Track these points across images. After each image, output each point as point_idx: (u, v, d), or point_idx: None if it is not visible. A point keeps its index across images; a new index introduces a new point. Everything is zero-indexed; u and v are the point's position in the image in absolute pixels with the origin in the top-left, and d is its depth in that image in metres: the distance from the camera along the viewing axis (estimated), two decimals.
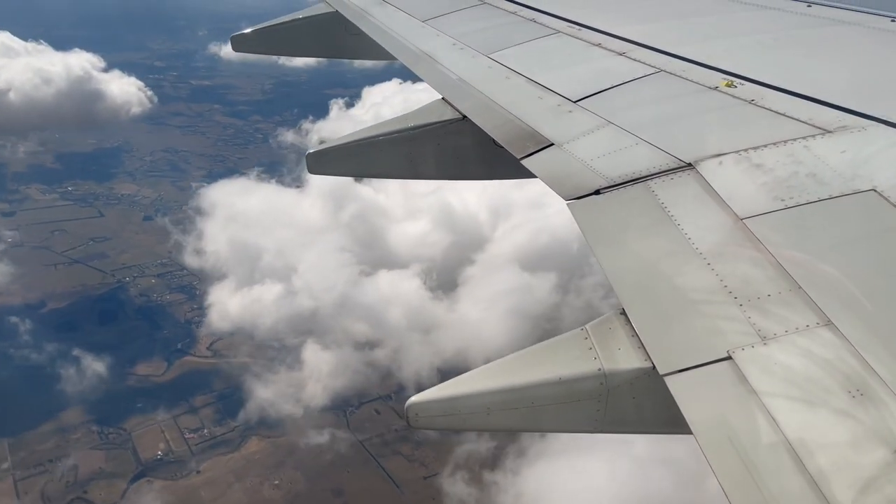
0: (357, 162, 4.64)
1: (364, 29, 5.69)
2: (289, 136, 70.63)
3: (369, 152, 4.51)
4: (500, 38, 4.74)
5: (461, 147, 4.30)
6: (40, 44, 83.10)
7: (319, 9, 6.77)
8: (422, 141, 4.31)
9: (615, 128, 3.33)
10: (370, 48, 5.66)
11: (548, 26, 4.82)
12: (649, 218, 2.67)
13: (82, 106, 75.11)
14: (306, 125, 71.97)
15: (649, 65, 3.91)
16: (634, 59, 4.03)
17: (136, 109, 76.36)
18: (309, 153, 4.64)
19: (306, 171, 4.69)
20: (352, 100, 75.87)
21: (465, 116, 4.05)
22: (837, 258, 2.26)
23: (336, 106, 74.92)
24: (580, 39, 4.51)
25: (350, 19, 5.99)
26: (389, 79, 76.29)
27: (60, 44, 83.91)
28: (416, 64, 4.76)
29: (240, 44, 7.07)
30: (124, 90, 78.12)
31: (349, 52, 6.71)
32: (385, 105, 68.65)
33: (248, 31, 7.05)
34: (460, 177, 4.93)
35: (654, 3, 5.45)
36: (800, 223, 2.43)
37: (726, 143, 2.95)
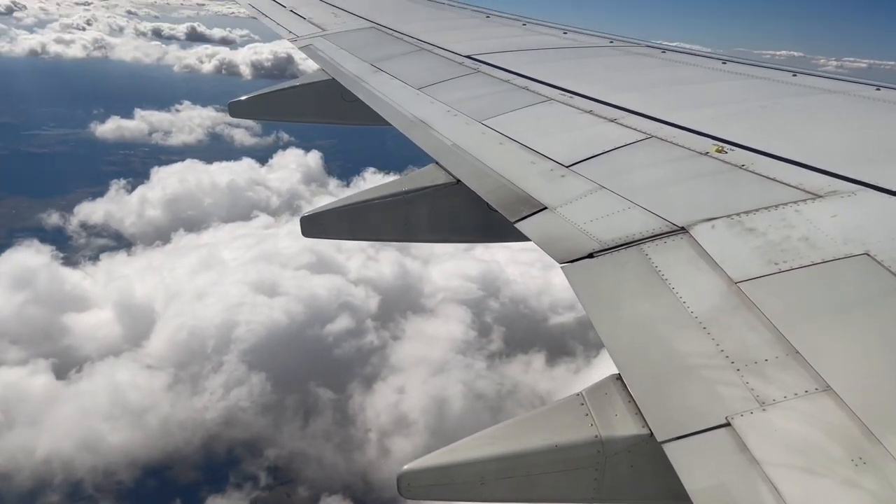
0: (351, 225, 4.66)
1: (360, 96, 5.79)
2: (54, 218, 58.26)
3: (363, 215, 4.53)
4: (494, 105, 4.82)
5: (455, 211, 4.33)
6: None
7: (317, 76, 6.92)
8: (416, 204, 4.34)
9: (608, 192, 3.36)
10: (365, 114, 5.75)
11: (540, 94, 4.92)
12: (643, 281, 2.66)
13: None
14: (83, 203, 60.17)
15: (640, 131, 3.97)
16: (625, 126, 4.10)
17: None
18: (303, 216, 4.66)
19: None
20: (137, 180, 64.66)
21: (458, 181, 4.08)
22: (834, 322, 2.24)
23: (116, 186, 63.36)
24: (572, 106, 4.59)
25: (346, 86, 6.11)
26: (182, 158, 69.36)
27: None
28: (410, 129, 4.83)
29: (236, 110, 7.19)
30: None
31: (344, 118, 6.82)
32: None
33: (244, 98, 7.17)
34: (454, 240, 4.94)
35: (644, 72, 5.59)
36: (794, 287, 2.42)
37: (718, 208, 2.97)
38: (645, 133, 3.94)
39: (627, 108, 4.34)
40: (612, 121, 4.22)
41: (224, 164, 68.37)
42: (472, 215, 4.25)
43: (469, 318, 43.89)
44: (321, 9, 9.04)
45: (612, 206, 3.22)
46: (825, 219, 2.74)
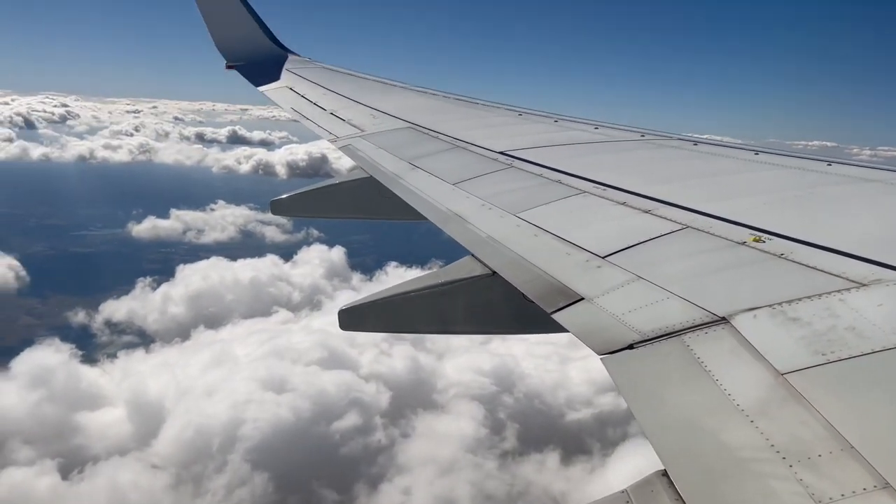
0: (388, 318, 4.69)
1: (397, 192, 5.94)
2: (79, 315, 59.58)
3: (400, 308, 4.56)
4: (528, 199, 4.90)
5: (491, 302, 4.33)
6: None
7: (355, 174, 7.15)
8: (452, 296, 4.36)
9: (645, 282, 3.34)
10: (402, 209, 5.88)
11: (573, 187, 4.99)
12: (686, 373, 2.60)
13: None
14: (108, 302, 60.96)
15: (675, 221, 3.98)
16: (660, 216, 4.11)
17: None
18: (341, 310, 4.71)
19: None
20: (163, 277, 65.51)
21: (494, 272, 4.11)
22: (890, 415, 2.15)
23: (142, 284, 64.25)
24: (605, 198, 4.64)
25: (384, 183, 6.28)
26: (204, 256, 69.62)
27: None
28: (447, 223, 4.92)
29: (278, 208, 7.45)
30: None
31: (381, 213, 6.98)
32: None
33: (284, 196, 7.44)
34: (491, 331, 4.93)
35: (677, 164, 5.65)
36: (844, 378, 2.34)
37: (759, 297, 2.92)
38: (680, 223, 3.94)
39: (661, 199, 4.37)
40: (647, 212, 4.24)
41: (248, 260, 69.59)
42: (509, 306, 4.25)
43: (481, 415, 42.80)
44: (360, 111, 9.42)
45: (650, 296, 3.20)
46: (871, 307, 2.67)
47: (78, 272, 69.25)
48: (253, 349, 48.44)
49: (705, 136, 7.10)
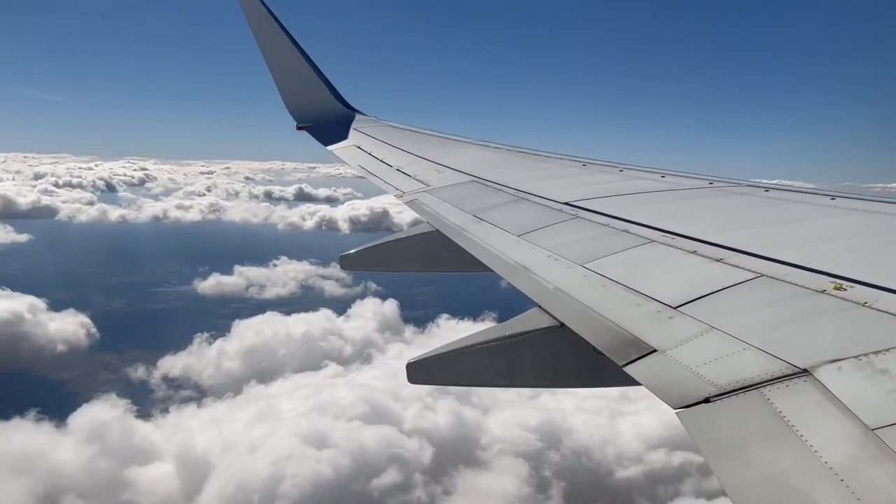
0: (455, 371, 4.68)
1: (462, 245, 5.99)
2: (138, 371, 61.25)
3: (468, 361, 4.54)
4: (595, 249, 4.86)
5: (559, 355, 4.28)
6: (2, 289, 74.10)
7: (421, 228, 7.25)
8: (520, 349, 4.32)
9: (720, 333, 3.24)
10: (467, 262, 5.91)
11: (641, 236, 4.93)
12: (768, 428, 2.49)
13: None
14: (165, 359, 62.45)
15: (749, 270, 3.87)
16: (733, 265, 4.01)
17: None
18: (409, 363, 4.73)
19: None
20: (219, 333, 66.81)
21: (562, 324, 4.06)
22: None
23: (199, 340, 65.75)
24: (675, 247, 4.56)
25: (449, 236, 6.34)
26: (278, 310, 70.18)
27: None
28: (513, 275, 4.91)
29: (346, 263, 7.62)
30: (62, 329, 68.20)
31: (446, 267, 7.03)
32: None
33: (353, 251, 7.62)
34: (559, 385, 4.84)
35: (748, 211, 5.52)
36: None
37: (844, 348, 2.79)
38: (754, 272, 3.83)
39: (733, 247, 4.27)
40: (719, 260, 4.14)
41: (302, 315, 70.41)
42: (578, 359, 4.18)
43: (526, 472, 41.47)
44: (424, 166, 9.60)
45: (726, 347, 3.10)
46: None
47: (143, 328, 71.95)
48: (298, 404, 48.81)
49: (775, 182, 6.93)
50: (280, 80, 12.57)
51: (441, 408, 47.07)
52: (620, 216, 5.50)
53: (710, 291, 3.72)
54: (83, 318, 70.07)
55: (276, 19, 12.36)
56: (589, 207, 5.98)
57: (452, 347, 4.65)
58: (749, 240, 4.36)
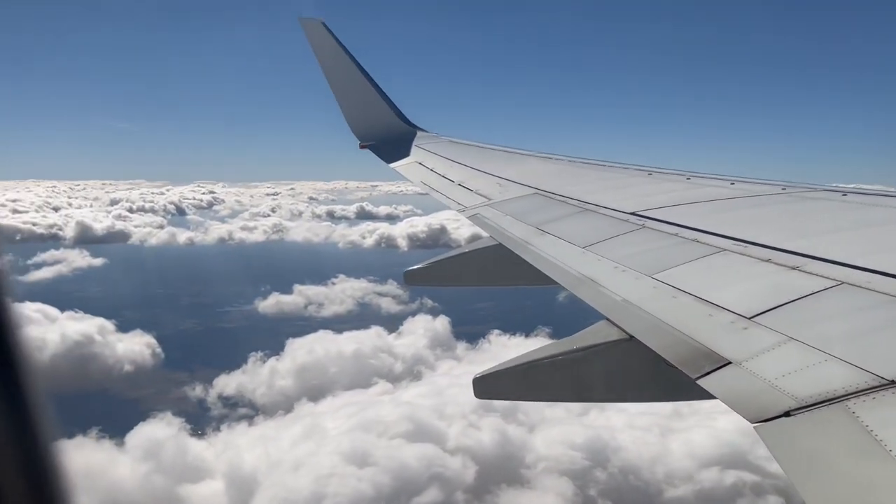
0: (522, 385, 4.63)
1: (526, 258, 5.95)
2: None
3: (535, 376, 4.49)
4: (663, 259, 4.75)
5: (629, 368, 4.18)
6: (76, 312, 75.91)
7: (484, 242, 7.25)
8: (588, 363, 4.25)
9: (799, 344, 3.11)
10: (531, 275, 5.87)
11: (711, 245, 4.80)
12: (854, 443, 2.37)
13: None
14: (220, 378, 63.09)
15: (828, 277, 3.71)
16: (811, 273, 3.85)
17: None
18: (476, 377, 4.71)
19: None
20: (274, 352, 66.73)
21: (632, 337, 3.98)
22: None
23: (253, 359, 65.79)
24: (748, 256, 4.42)
25: (513, 250, 6.31)
26: (334, 329, 69.45)
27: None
28: (578, 287, 4.85)
29: (411, 278, 7.69)
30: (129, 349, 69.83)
31: (510, 280, 7.00)
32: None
33: (417, 267, 7.68)
34: (629, 399, 4.74)
35: (825, 216, 5.31)
36: None
37: None
38: (834, 280, 3.67)
39: (811, 254, 4.10)
40: (795, 268, 3.99)
41: (353, 333, 70.28)
42: (649, 372, 4.08)
43: (570, 491, 39.92)
44: (486, 180, 9.61)
45: (806, 359, 2.97)
46: None
47: (206, 348, 73.60)
48: (342, 422, 48.85)
49: (852, 186, 6.65)
50: (343, 101, 12.84)
51: (486, 425, 46.26)
52: (689, 225, 5.37)
53: (786, 301, 3.58)
54: (150, 339, 72.32)
55: (338, 42, 12.66)
56: (656, 217, 5.87)
57: (519, 362, 4.61)
58: (827, 246, 4.19)
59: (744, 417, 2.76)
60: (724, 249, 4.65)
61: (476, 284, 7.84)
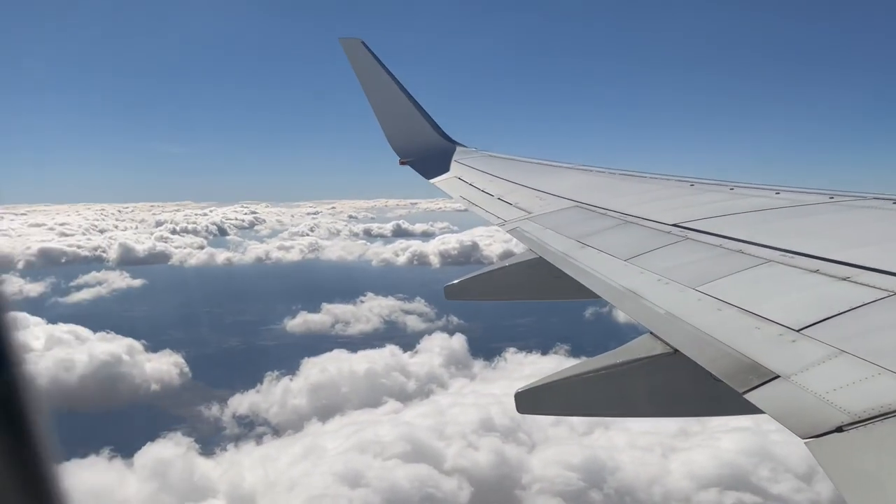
0: (565, 400, 4.59)
1: (567, 271, 5.91)
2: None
3: (578, 390, 4.44)
4: (707, 271, 4.67)
5: (674, 382, 4.11)
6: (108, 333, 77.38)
7: (524, 256, 7.22)
8: (632, 377, 4.19)
9: (850, 357, 3.02)
10: (572, 288, 5.83)
11: (757, 256, 4.70)
12: None
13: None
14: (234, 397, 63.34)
15: (880, 288, 3.60)
16: (861, 283, 3.75)
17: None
18: (518, 392, 4.67)
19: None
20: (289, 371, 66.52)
21: (676, 350, 3.91)
22: None
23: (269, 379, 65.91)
24: (795, 267, 4.32)
25: (553, 263, 6.28)
26: (330, 349, 69.28)
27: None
28: (621, 301, 4.80)
29: (451, 293, 7.69)
30: (157, 368, 70.88)
31: (551, 293, 6.95)
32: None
33: (456, 281, 7.69)
34: (675, 413, 4.66)
35: (876, 225, 5.17)
36: None
37: None
38: (887, 290, 3.56)
39: (861, 264, 3.99)
40: (845, 279, 3.88)
41: (367, 352, 69.77)
42: (694, 387, 4.00)
43: None
44: (525, 194, 9.60)
45: (858, 372, 2.88)
46: None
47: (231, 367, 73.74)
48: (342, 441, 48.55)
49: None
50: (383, 118, 12.99)
51: (484, 445, 45.70)
52: (733, 236, 5.27)
53: (836, 312, 3.48)
54: (178, 359, 73.43)
55: (378, 60, 12.82)
56: (699, 228, 5.78)
57: (562, 376, 4.57)
58: (879, 256, 4.06)
59: (793, 433, 2.69)
60: (770, 260, 4.55)
61: (516, 298, 7.81)
